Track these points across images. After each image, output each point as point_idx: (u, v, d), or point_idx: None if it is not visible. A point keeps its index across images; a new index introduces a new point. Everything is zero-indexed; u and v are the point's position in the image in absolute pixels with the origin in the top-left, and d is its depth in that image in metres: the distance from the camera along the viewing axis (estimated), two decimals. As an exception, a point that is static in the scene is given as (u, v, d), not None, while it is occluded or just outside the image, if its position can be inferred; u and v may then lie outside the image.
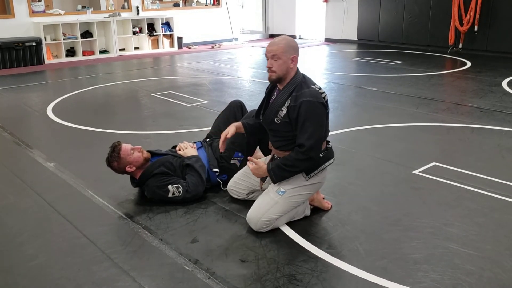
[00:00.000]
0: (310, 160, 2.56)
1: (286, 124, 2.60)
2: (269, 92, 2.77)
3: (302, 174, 2.65)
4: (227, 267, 2.32)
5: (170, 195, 2.95)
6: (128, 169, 3.03)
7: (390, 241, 2.54)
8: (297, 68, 2.66)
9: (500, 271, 2.26)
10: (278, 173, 2.61)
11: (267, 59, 2.60)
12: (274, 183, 2.66)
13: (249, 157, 2.78)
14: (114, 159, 3.00)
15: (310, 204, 2.88)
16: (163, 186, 2.95)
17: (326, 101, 2.61)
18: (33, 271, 2.33)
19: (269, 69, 2.60)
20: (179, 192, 2.95)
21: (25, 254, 2.48)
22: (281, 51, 2.55)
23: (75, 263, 2.38)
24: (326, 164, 2.69)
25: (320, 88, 2.61)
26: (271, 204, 2.62)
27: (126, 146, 3.03)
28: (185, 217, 2.84)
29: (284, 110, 2.59)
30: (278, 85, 2.68)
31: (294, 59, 2.59)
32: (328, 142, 2.76)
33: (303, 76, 2.67)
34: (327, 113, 2.64)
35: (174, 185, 2.95)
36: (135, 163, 3.02)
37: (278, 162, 2.62)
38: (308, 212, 2.82)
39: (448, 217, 2.78)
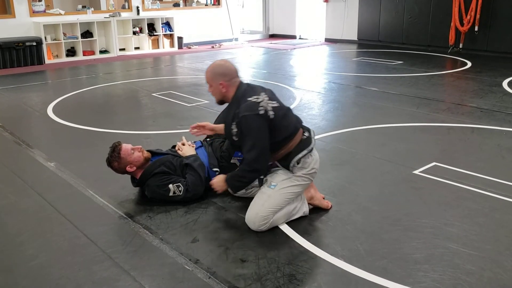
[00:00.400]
0: (255, 171, 2.64)
1: (243, 138, 2.68)
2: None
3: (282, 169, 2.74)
4: (227, 267, 2.32)
5: (171, 194, 2.95)
6: (128, 169, 3.03)
7: (390, 241, 2.54)
8: (239, 83, 2.73)
9: (500, 271, 2.26)
10: (233, 183, 2.73)
11: None
12: (233, 193, 2.78)
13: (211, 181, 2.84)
14: (115, 159, 3.00)
15: (310, 203, 2.89)
16: (164, 185, 2.95)
17: (266, 110, 2.58)
18: (33, 271, 2.33)
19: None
20: (180, 191, 2.95)
21: (25, 253, 2.48)
22: (208, 80, 2.74)
23: (76, 263, 2.38)
24: (299, 155, 2.69)
25: (258, 98, 2.62)
26: (265, 199, 2.65)
27: (126, 146, 3.03)
28: (186, 217, 2.84)
29: (234, 128, 2.67)
30: None
31: (223, 84, 2.69)
32: (304, 132, 2.77)
33: (245, 89, 2.72)
34: (276, 116, 2.61)
35: (175, 184, 2.95)
36: (136, 163, 3.03)
37: (233, 173, 2.72)
38: (306, 211, 2.82)
39: (448, 217, 2.78)
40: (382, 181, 3.33)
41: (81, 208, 3.00)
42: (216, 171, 3.15)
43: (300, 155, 2.68)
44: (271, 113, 2.61)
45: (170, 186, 2.94)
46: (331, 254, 2.41)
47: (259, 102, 2.61)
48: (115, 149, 3.00)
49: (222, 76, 2.69)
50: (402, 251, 2.44)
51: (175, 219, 2.82)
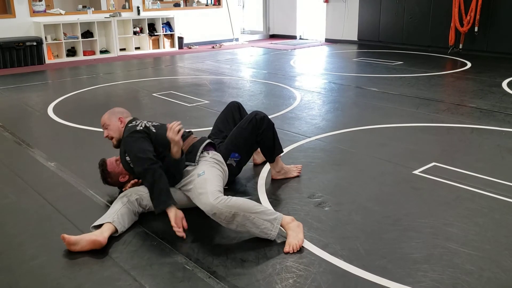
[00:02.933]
0: (145, 171, 2.66)
1: None
2: None
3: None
4: (227, 267, 2.33)
5: None
6: (121, 179, 3.04)
7: (390, 241, 2.54)
8: (126, 122, 3.04)
9: (499, 271, 2.26)
10: (158, 201, 2.64)
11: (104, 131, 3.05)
12: (158, 211, 2.66)
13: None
14: (106, 176, 3.04)
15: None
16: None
17: (145, 126, 2.90)
18: (34, 271, 2.34)
19: (107, 137, 3.02)
20: None
21: (26, 253, 2.49)
22: (105, 119, 3.02)
23: (76, 263, 2.39)
24: (203, 145, 2.94)
25: (136, 122, 2.96)
26: (203, 182, 2.67)
27: (110, 160, 3.05)
28: (186, 216, 2.84)
29: (127, 157, 2.88)
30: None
31: (121, 119, 3.03)
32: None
33: (129, 120, 3.05)
34: (158, 130, 2.91)
35: None
36: (125, 171, 3.03)
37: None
38: (273, 236, 2.58)
39: (448, 217, 2.79)
40: (382, 181, 3.33)
41: (82, 208, 3.00)
42: None
43: (203, 145, 2.93)
44: (151, 128, 2.91)
45: None
46: (331, 254, 2.42)
47: (137, 124, 2.91)
48: (103, 166, 3.03)
49: (120, 113, 3.07)
50: (402, 251, 2.45)
51: (175, 219, 2.82)
